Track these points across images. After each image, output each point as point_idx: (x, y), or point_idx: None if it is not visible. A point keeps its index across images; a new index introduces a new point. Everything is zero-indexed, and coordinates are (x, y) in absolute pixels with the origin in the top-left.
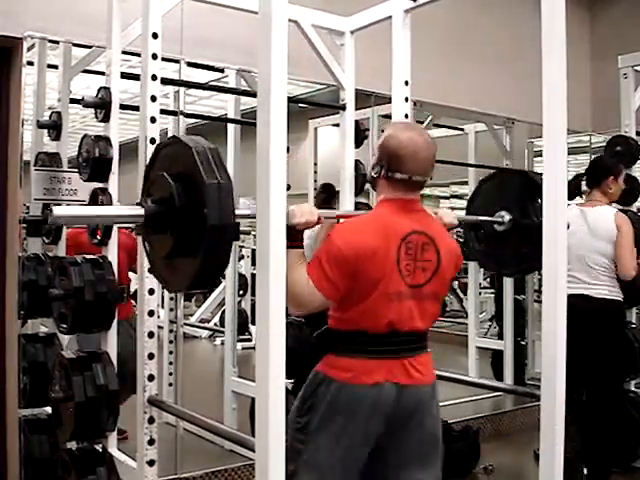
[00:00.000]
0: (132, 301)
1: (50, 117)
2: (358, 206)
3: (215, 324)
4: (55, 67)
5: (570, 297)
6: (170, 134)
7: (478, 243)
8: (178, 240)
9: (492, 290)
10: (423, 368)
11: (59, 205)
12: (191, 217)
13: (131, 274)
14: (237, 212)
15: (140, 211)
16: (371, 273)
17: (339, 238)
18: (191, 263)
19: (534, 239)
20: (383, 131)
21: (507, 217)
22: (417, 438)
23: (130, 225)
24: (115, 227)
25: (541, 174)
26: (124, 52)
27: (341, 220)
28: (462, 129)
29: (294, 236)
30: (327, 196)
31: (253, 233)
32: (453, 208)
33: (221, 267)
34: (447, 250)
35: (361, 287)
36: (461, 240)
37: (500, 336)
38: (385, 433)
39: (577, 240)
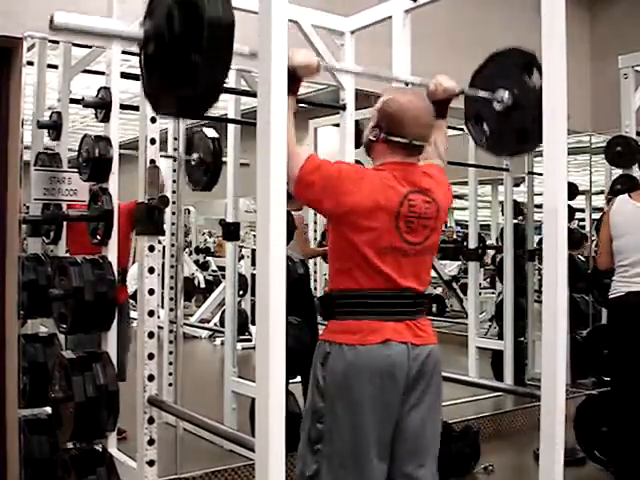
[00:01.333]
0: (132, 302)
1: (50, 117)
2: None
3: (215, 324)
4: (55, 67)
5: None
6: (170, 134)
7: (483, 133)
8: (176, 59)
9: (492, 290)
10: (427, 329)
11: (59, 204)
12: (189, 34)
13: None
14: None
15: (140, 32)
16: (363, 223)
17: (345, 170)
18: (192, 71)
19: (534, 113)
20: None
21: (506, 94)
22: (434, 392)
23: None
24: (115, 228)
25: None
26: (124, 52)
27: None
28: (462, 129)
29: (291, 82)
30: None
31: (253, 233)
32: (453, 208)
33: (224, 71)
34: (443, 202)
35: (349, 226)
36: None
37: (500, 336)
38: (404, 394)
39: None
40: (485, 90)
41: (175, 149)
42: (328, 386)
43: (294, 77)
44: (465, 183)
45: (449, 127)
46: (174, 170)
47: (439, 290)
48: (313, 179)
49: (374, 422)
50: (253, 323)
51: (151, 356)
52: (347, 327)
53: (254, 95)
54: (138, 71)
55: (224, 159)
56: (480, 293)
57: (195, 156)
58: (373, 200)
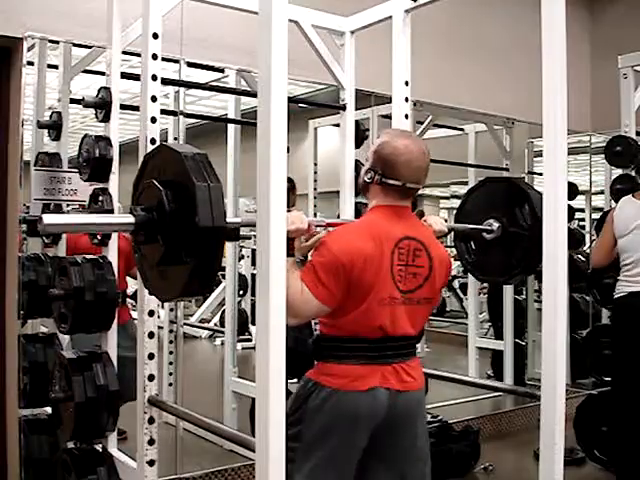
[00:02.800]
0: (132, 302)
1: (50, 117)
2: (358, 206)
3: (215, 324)
4: (55, 67)
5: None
6: (170, 134)
7: (469, 255)
8: (169, 247)
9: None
10: (414, 373)
11: (59, 204)
12: (182, 222)
13: (130, 281)
14: (229, 220)
15: (130, 219)
16: (366, 279)
17: (334, 244)
18: (183, 269)
19: (524, 245)
20: (379, 137)
21: (496, 225)
22: (408, 442)
23: None
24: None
25: (524, 179)
26: (124, 52)
27: (330, 229)
28: (462, 129)
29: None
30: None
31: (253, 234)
32: (453, 208)
33: (213, 271)
34: (438, 257)
35: (356, 293)
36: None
37: (497, 337)
38: (379, 436)
39: None
40: (476, 216)
41: None
42: (306, 422)
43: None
44: (465, 183)
45: (449, 127)
46: None
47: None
48: (318, 273)
49: (342, 465)
50: (253, 323)
51: (151, 356)
52: (334, 371)
53: (254, 95)
54: (138, 71)
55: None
56: (480, 293)
57: None
58: (368, 242)
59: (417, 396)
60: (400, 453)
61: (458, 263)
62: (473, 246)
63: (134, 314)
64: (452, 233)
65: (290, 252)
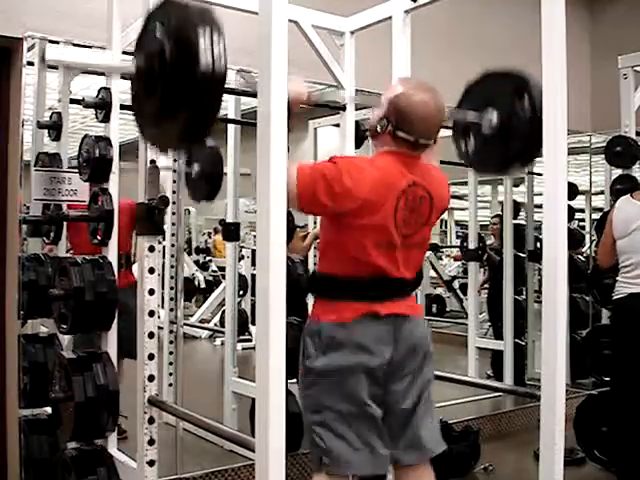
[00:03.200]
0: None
1: (50, 117)
2: None
3: (215, 324)
4: (55, 67)
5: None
6: None
7: (467, 148)
8: (168, 94)
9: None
10: (412, 304)
11: (59, 205)
12: (182, 70)
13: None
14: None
15: (131, 66)
16: (364, 216)
17: (346, 174)
18: (181, 117)
19: (523, 135)
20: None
21: (495, 115)
22: (423, 360)
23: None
24: (115, 229)
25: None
26: (124, 52)
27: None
28: None
29: None
30: None
31: (253, 233)
32: (453, 208)
33: (211, 118)
34: (439, 200)
35: (350, 221)
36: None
37: (497, 337)
38: (394, 360)
39: None
40: (475, 108)
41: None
42: (316, 363)
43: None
44: (465, 183)
45: (449, 127)
46: (174, 170)
47: (439, 290)
48: (314, 188)
49: (364, 384)
50: (253, 323)
51: (151, 356)
52: (336, 308)
53: (254, 95)
54: None
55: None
56: (480, 293)
57: (196, 168)
58: (376, 194)
59: (418, 320)
60: (415, 370)
61: (458, 263)
62: (472, 139)
63: None
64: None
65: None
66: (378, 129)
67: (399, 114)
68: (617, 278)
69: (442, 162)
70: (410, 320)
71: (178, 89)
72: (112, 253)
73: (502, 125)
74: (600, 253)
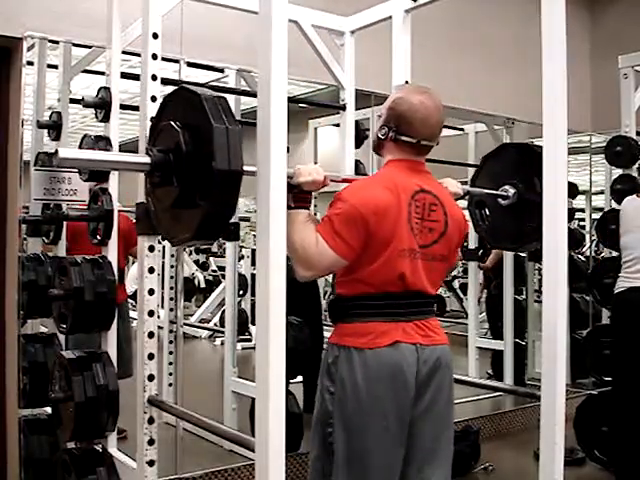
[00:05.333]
0: (132, 302)
1: (50, 117)
2: None
3: (215, 324)
4: (55, 67)
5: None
6: None
7: (483, 220)
8: (184, 189)
9: None
10: (437, 330)
11: (59, 204)
12: (198, 164)
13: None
14: (246, 168)
15: (147, 159)
16: (385, 230)
17: (351, 197)
18: (196, 212)
19: (539, 212)
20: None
21: (512, 191)
22: (444, 398)
23: (129, 210)
24: (115, 229)
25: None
26: (124, 52)
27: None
28: (462, 129)
29: (301, 197)
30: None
31: (253, 233)
32: None
33: (227, 215)
34: (453, 215)
35: (375, 244)
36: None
37: (495, 336)
38: (415, 397)
39: None
40: (491, 182)
41: None
42: (337, 389)
43: (302, 192)
44: (465, 183)
45: (449, 127)
46: None
47: (439, 290)
48: (335, 225)
49: (386, 425)
50: (253, 323)
51: (151, 356)
52: (355, 330)
53: (254, 95)
54: (138, 71)
55: None
56: (480, 299)
57: None
58: (386, 194)
59: (444, 350)
60: (438, 411)
61: (459, 263)
62: (487, 212)
63: (133, 314)
64: (467, 199)
65: (305, 205)
66: (380, 136)
67: (399, 118)
68: (619, 274)
69: (442, 162)
70: (437, 349)
71: (193, 186)
72: (112, 253)
73: (518, 202)
74: None
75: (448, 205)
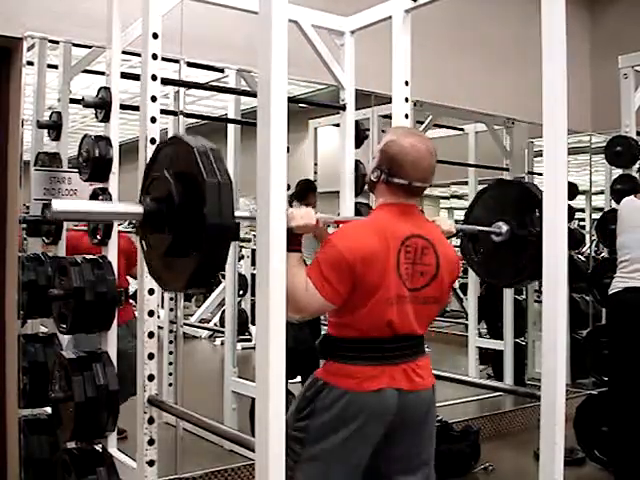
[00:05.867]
0: (132, 302)
1: (50, 117)
2: (358, 206)
3: (215, 324)
4: (55, 67)
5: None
6: (170, 134)
7: (476, 254)
8: (176, 238)
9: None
10: (423, 372)
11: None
12: (190, 216)
13: (130, 280)
14: (237, 214)
15: (139, 209)
16: (372, 277)
17: (340, 242)
18: (188, 262)
19: (532, 250)
20: (384, 131)
21: (505, 228)
22: (417, 440)
23: (130, 230)
24: (115, 229)
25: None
26: (124, 52)
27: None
28: (462, 129)
29: (292, 240)
30: (300, 189)
31: (253, 233)
32: (453, 208)
33: (218, 266)
34: (446, 256)
35: (362, 291)
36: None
37: (491, 335)
38: (386, 436)
39: None
40: (486, 217)
41: None
42: (311, 423)
43: (294, 235)
44: (465, 183)
45: (449, 127)
46: None
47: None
48: (323, 270)
49: (349, 468)
50: (253, 323)
51: (151, 356)
52: (344, 371)
53: (254, 95)
54: (138, 71)
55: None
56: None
57: None
58: (375, 241)
59: (427, 395)
60: (409, 454)
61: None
62: (480, 247)
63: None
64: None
65: (297, 248)
66: (373, 179)
67: (391, 160)
68: (614, 275)
69: (442, 162)
70: (420, 394)
71: (185, 236)
72: (112, 253)
73: (511, 238)
74: None
75: (440, 247)
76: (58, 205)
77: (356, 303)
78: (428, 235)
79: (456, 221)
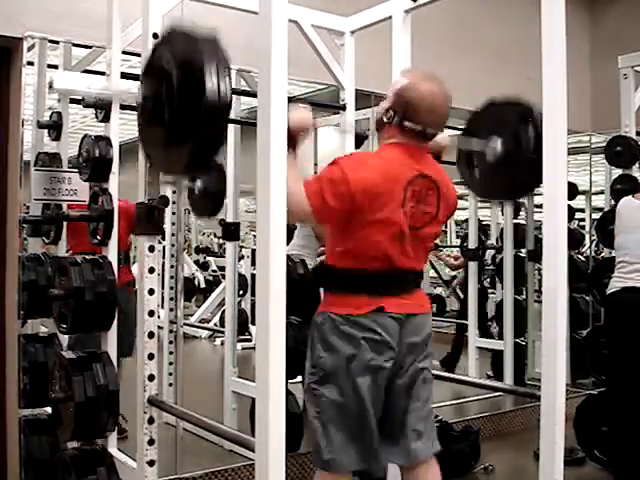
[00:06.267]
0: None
1: (50, 117)
2: None
3: (215, 324)
4: (55, 67)
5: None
6: None
7: (472, 176)
8: (174, 121)
9: (492, 290)
10: (422, 301)
11: (59, 205)
12: (188, 99)
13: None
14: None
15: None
16: (375, 210)
17: (347, 167)
18: (187, 146)
19: (526, 164)
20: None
21: (498, 143)
22: (428, 359)
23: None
24: (115, 229)
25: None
26: (124, 52)
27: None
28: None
29: (288, 139)
30: None
31: (253, 233)
32: None
33: (216, 148)
34: (447, 198)
35: (362, 221)
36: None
37: (501, 336)
38: (397, 359)
39: None
40: (479, 136)
41: None
42: (324, 356)
43: (290, 133)
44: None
45: (449, 127)
46: None
47: (439, 290)
48: (323, 189)
49: (368, 389)
50: (253, 323)
51: (151, 356)
52: (343, 300)
53: (254, 95)
54: (138, 71)
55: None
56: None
57: (199, 185)
58: (382, 186)
59: (423, 319)
60: (413, 375)
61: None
62: (477, 167)
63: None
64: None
65: (291, 149)
66: (385, 120)
67: (406, 104)
68: (612, 275)
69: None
70: (418, 318)
71: (184, 119)
72: (112, 253)
73: (506, 153)
74: None
75: (443, 187)
76: (59, 82)
77: (356, 230)
78: (434, 175)
79: (456, 222)
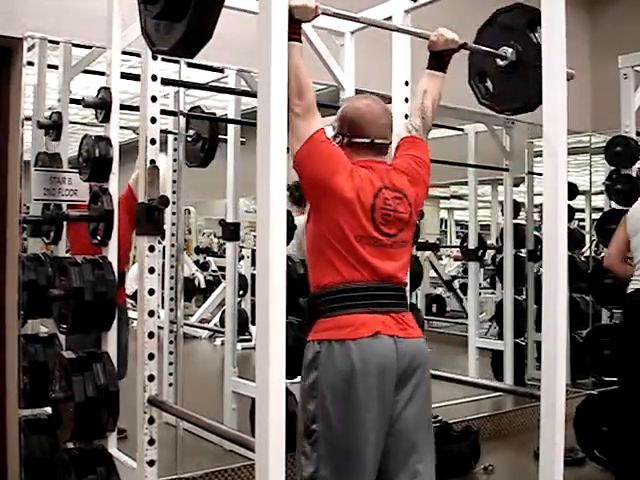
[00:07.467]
0: (132, 302)
1: (50, 117)
2: None
3: (215, 324)
4: (55, 67)
5: None
6: (170, 134)
7: (486, 89)
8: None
9: (492, 290)
10: (411, 324)
11: (59, 205)
12: None
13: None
14: None
15: None
16: (345, 196)
17: (341, 159)
18: (179, 25)
19: (539, 70)
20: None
21: (510, 50)
22: (425, 386)
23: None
24: (115, 228)
25: None
26: (124, 52)
27: None
28: (462, 129)
29: (292, 27)
30: (300, 195)
31: (253, 233)
32: (453, 208)
33: (208, 33)
34: (415, 201)
35: (329, 196)
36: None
37: (500, 336)
38: (395, 388)
39: None
40: (489, 47)
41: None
42: (320, 386)
43: (292, 20)
44: (465, 183)
45: (449, 127)
46: (174, 170)
47: (439, 290)
48: (320, 149)
49: (369, 419)
50: (253, 323)
51: (151, 356)
52: (335, 323)
53: (254, 95)
54: (138, 71)
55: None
56: (480, 293)
57: (192, 132)
58: (353, 186)
59: (420, 343)
60: (418, 405)
61: (458, 264)
62: (489, 81)
63: (133, 314)
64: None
65: (296, 37)
66: (336, 144)
67: (350, 123)
68: (611, 275)
69: (443, 162)
70: (414, 343)
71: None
72: (112, 253)
73: (518, 61)
74: (608, 250)
75: (410, 194)
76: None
77: (324, 208)
78: (399, 185)
79: (456, 222)
